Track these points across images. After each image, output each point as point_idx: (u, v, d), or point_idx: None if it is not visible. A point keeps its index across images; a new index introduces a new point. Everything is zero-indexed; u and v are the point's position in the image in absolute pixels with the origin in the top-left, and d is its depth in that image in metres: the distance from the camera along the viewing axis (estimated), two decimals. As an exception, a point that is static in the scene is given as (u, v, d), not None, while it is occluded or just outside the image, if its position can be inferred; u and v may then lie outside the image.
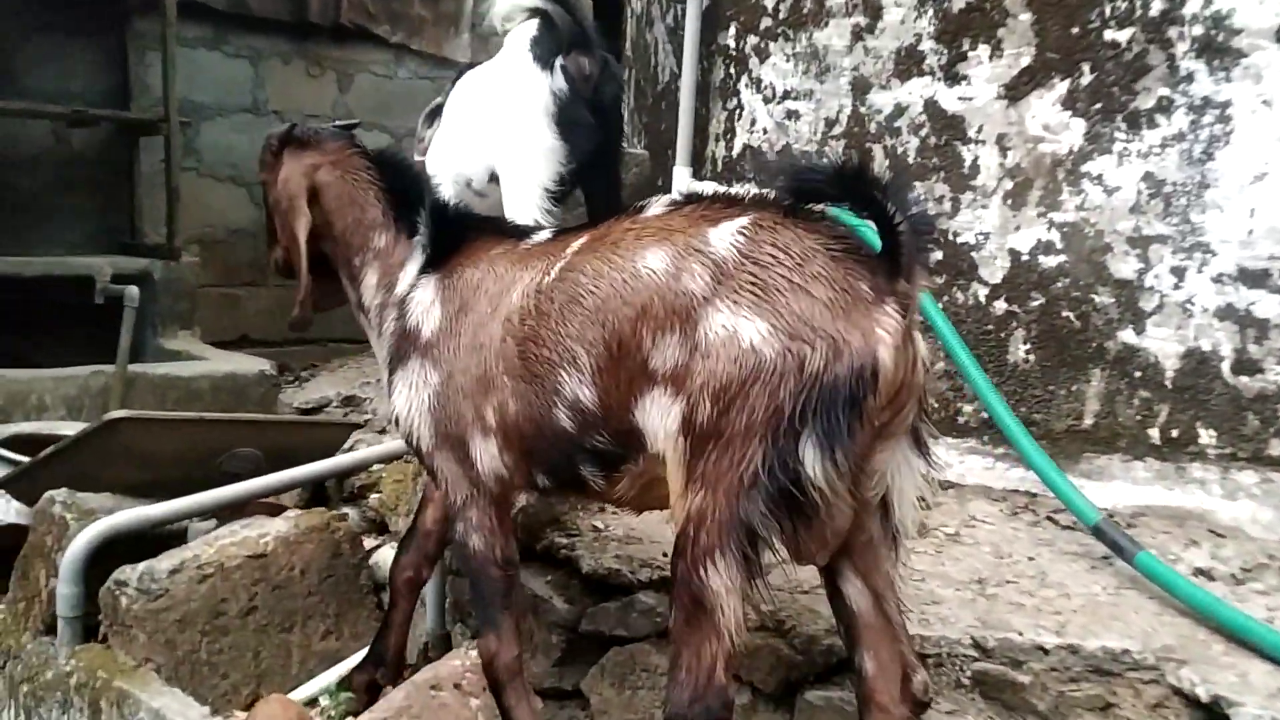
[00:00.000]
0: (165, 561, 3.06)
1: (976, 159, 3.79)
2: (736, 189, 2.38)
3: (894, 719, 2.21)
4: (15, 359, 5.39)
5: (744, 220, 2.09)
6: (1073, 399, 3.66)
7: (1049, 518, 3.29)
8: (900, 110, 3.95)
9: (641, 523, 3.13)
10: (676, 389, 2.03)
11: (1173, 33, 3.45)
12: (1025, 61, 3.69)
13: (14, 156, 6.44)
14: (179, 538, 3.49)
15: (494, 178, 3.91)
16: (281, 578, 3.22)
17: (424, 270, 2.68)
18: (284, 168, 2.80)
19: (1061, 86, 3.63)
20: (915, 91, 3.91)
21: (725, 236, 2.07)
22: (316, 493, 3.87)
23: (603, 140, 3.82)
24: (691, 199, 2.29)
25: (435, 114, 4.46)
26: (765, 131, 4.38)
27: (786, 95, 4.29)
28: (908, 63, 3.92)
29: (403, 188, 2.81)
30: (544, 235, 2.61)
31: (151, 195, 6.78)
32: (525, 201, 3.63)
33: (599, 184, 3.90)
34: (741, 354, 1.94)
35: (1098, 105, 3.58)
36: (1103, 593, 2.79)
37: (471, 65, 4.60)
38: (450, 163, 4.14)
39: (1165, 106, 3.48)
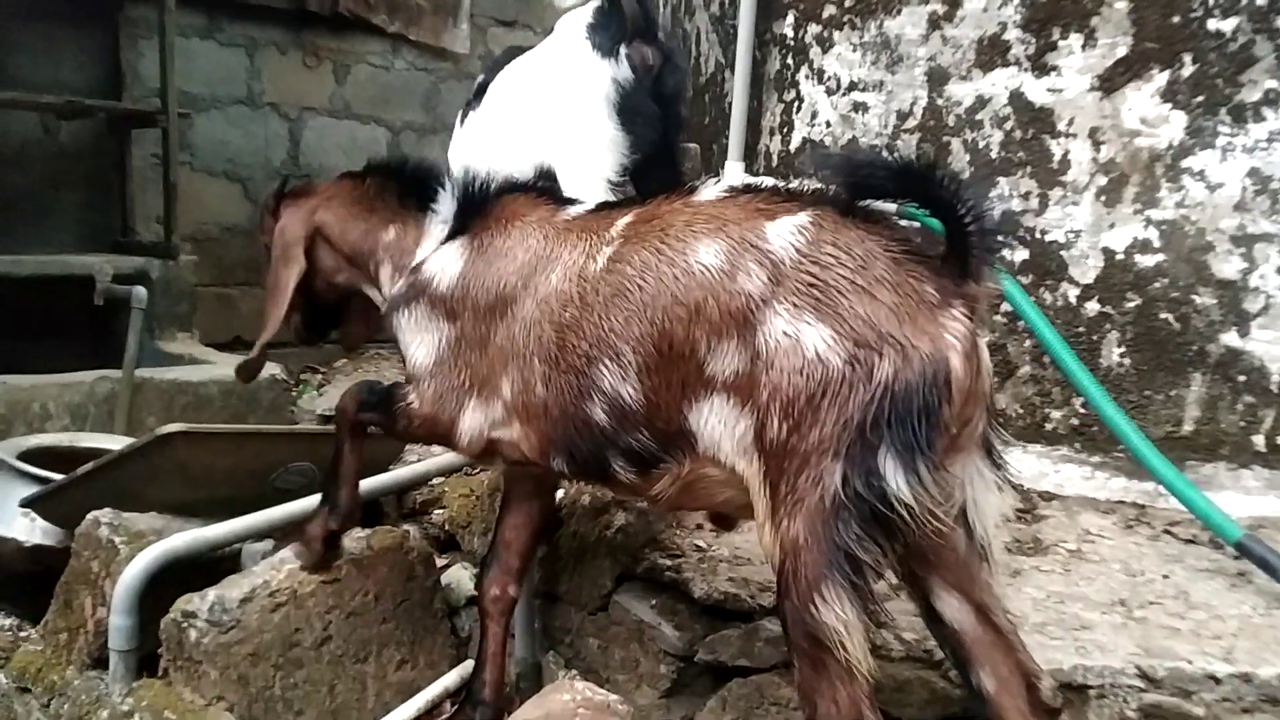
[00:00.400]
0: (235, 590, 2.80)
1: (1067, 153, 3.62)
2: (795, 183, 2.18)
3: None
4: (10, 364, 5.05)
5: (803, 217, 1.98)
6: (1171, 405, 3.50)
7: (1167, 531, 3.13)
8: (982, 102, 3.77)
9: (746, 542, 2.93)
10: (742, 400, 1.96)
11: (1281, 22, 3.30)
12: (1121, 52, 3.52)
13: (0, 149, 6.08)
14: (230, 560, 3.23)
15: (545, 173, 3.65)
16: (355, 604, 2.98)
17: (448, 239, 2.66)
18: (281, 220, 2.90)
19: (1161, 78, 3.47)
20: (999, 83, 3.73)
21: (783, 233, 1.97)
22: (370, 509, 3.62)
23: (665, 133, 3.59)
24: (748, 188, 2.18)
25: (469, 108, 4.19)
26: (828, 125, 4.19)
27: (853, 87, 4.10)
28: (990, 52, 3.74)
29: (401, 179, 2.85)
30: (585, 207, 2.52)
31: (145, 191, 6.44)
32: (586, 195, 3.40)
33: (660, 178, 3.67)
34: (807, 364, 1.86)
35: (1200, 98, 3.42)
36: (1254, 614, 2.63)
37: (511, 52, 4.32)
38: (488, 157, 3.89)
39: (1273, 99, 3.33)
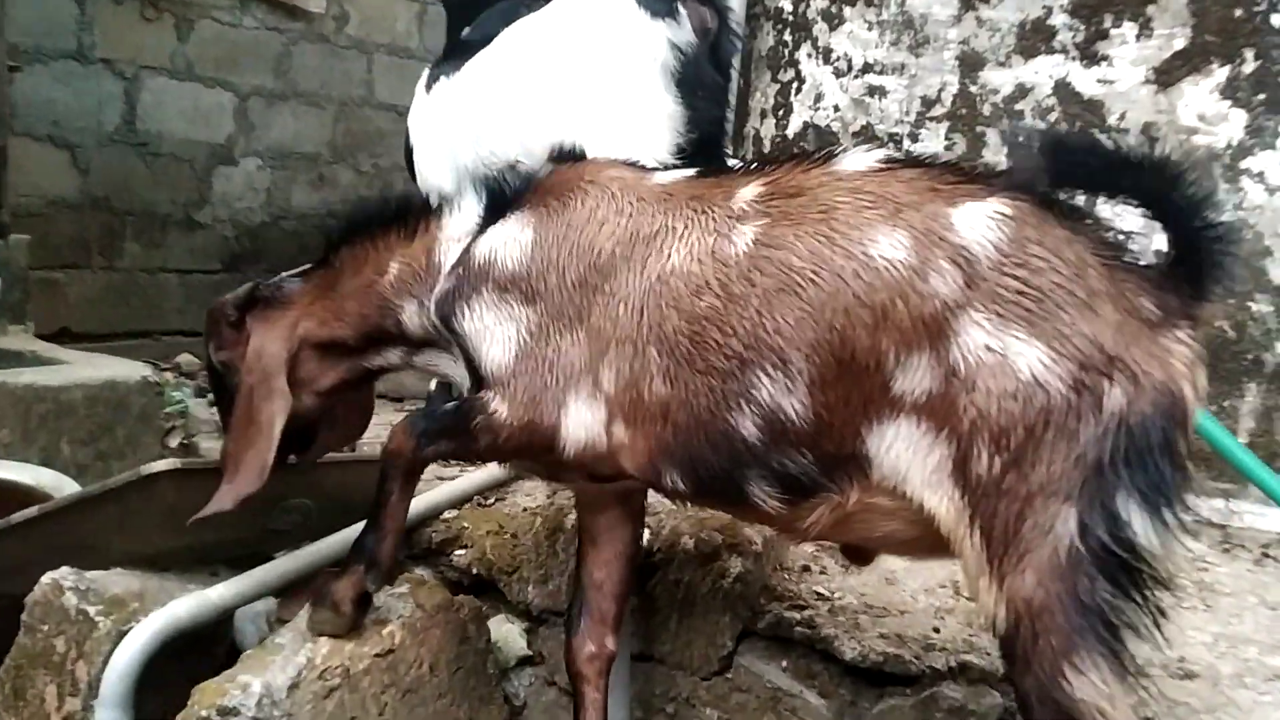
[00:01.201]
0: (279, 674, 2.20)
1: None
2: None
3: None
4: None
5: (995, 205, 1.69)
6: (1225, 415, 3.36)
7: (1266, 554, 2.96)
8: (1023, 91, 3.52)
9: (873, 588, 2.56)
10: (937, 425, 1.68)
11: (1349, 20, 3.19)
12: (1179, 44, 3.33)
13: None
14: (220, 627, 2.61)
15: (565, 155, 3.12)
16: (411, 678, 2.42)
17: (494, 217, 2.22)
18: (254, 339, 2.35)
19: (1221, 73, 3.30)
20: (1043, 71, 3.49)
21: (976, 225, 1.68)
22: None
23: (724, 108, 3.15)
24: (912, 160, 1.89)
25: (439, 72, 3.59)
26: (837, 109, 3.85)
27: (868, 68, 3.77)
28: (1034, 38, 3.49)
29: (376, 218, 2.40)
30: (677, 173, 2.14)
31: (-43, 157, 5.41)
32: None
33: (709, 162, 3.21)
34: (1022, 387, 1.61)
35: (1261, 96, 3.27)
36: None
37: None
38: (484, 132, 3.32)
39: (1336, 100, 3.22)
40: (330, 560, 2.70)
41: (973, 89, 3.59)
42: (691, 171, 2.16)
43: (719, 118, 3.02)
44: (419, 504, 2.90)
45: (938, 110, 3.65)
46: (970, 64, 3.59)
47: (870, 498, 1.81)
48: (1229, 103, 3.31)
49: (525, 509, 3.00)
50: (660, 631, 2.54)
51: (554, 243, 2.07)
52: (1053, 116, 3.48)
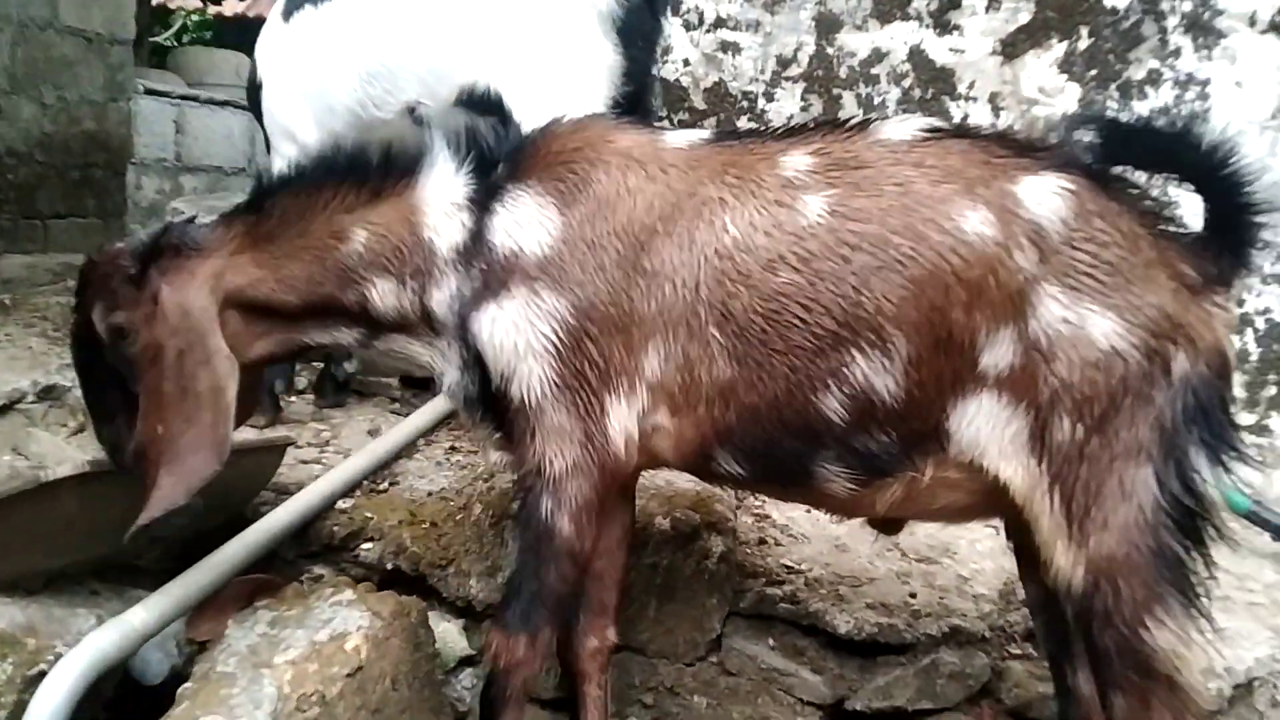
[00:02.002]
0: (256, 712, 1.88)
1: (967, 116, 3.56)
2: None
3: None
4: None
5: (1054, 180, 1.76)
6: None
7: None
8: (879, 55, 3.58)
9: (831, 557, 2.54)
10: (1016, 397, 1.73)
11: (1165, 5, 3.48)
12: (1023, 18, 3.52)
13: None
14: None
15: (475, 101, 2.85)
16: (378, 696, 2.12)
17: (492, 189, 1.96)
18: (165, 300, 1.95)
19: (1059, 48, 3.52)
20: (898, 36, 3.57)
21: (1040, 199, 1.73)
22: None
23: (655, 59, 2.97)
24: (955, 130, 1.92)
25: (300, 5, 3.14)
26: (687, 63, 3.76)
27: (720, 23, 3.71)
28: (890, 4, 3.57)
29: (334, 170, 2.04)
30: (691, 137, 1.98)
31: None
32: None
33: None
34: (1102, 357, 1.69)
35: (1093, 71, 3.52)
36: None
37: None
38: (363, 74, 2.95)
39: (1154, 79, 3.51)
40: (240, 568, 2.35)
41: (830, 51, 3.61)
42: (704, 134, 2.02)
43: (651, 70, 2.85)
44: (305, 498, 2.58)
45: (794, 70, 3.65)
46: (827, 25, 3.60)
47: (943, 472, 1.81)
48: (1065, 77, 3.53)
49: (431, 494, 2.74)
50: (637, 619, 2.39)
51: (584, 221, 1.88)
52: (907, 83, 3.57)
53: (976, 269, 1.71)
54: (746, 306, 1.79)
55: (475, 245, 1.93)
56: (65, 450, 3.51)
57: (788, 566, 2.47)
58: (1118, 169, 1.81)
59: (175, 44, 11.62)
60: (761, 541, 2.57)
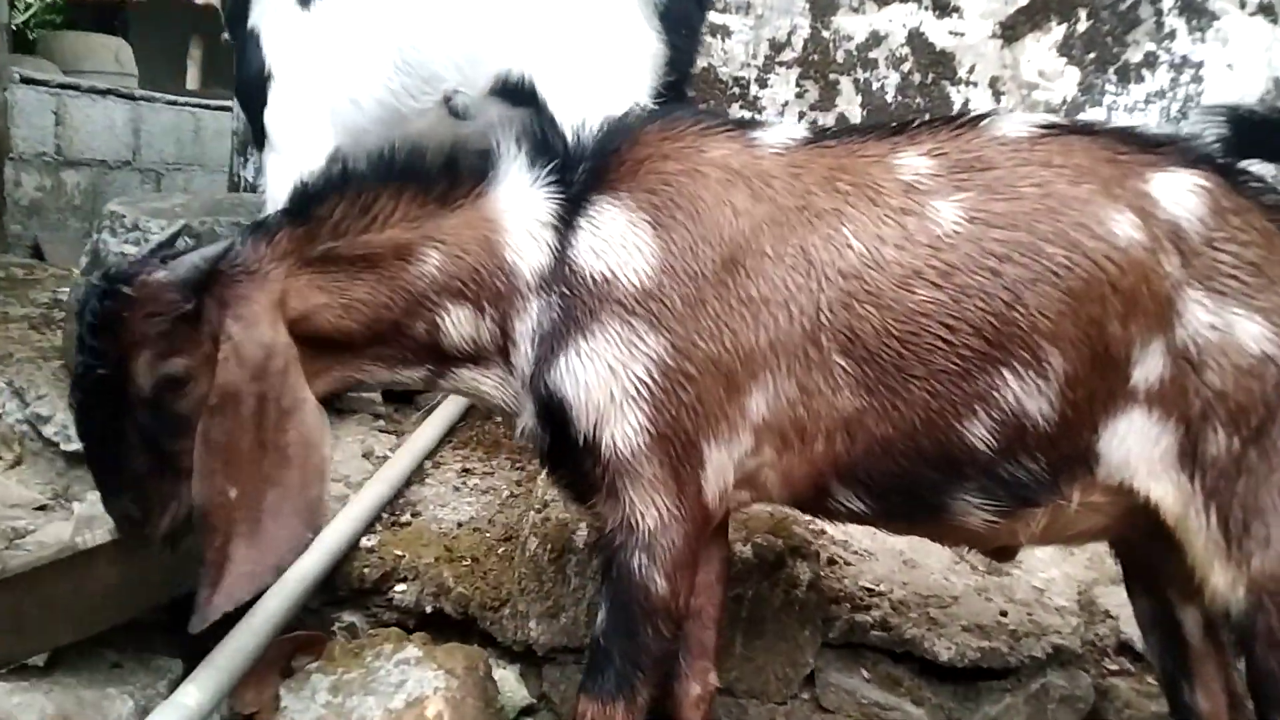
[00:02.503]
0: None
1: (968, 101, 3.46)
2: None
3: None
4: None
5: (1188, 178, 1.65)
6: None
7: None
8: (877, 39, 3.45)
9: (904, 575, 2.39)
10: (1165, 411, 1.61)
11: (1161, -13, 3.44)
12: (1023, 0, 3.42)
13: None
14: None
15: (509, 90, 2.60)
16: (463, 771, 1.91)
17: (576, 202, 1.69)
18: (239, 337, 1.61)
19: (1058, 31, 3.44)
20: (896, 18, 3.44)
21: (1175, 198, 1.62)
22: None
23: (698, 48, 2.76)
24: (1073, 126, 1.76)
25: None
26: (672, 48, 3.55)
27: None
28: (888, -15, 3.42)
29: (401, 174, 1.74)
30: (784, 139, 1.75)
31: None
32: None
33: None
34: (1255, 363, 1.58)
35: (1092, 55, 3.46)
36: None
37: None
38: (398, 62, 2.67)
39: (1151, 62, 3.47)
40: (282, 626, 2.07)
41: (825, 34, 3.45)
42: (795, 133, 1.80)
43: (693, 59, 2.66)
44: (329, 537, 2.30)
45: (787, 55, 3.48)
46: (822, 7, 3.45)
47: (1090, 497, 1.67)
48: (1065, 60, 3.45)
49: (461, 524, 2.49)
50: (723, 657, 2.18)
51: (685, 245, 1.64)
52: (906, 67, 3.44)
53: (1130, 276, 1.57)
54: (878, 329, 1.60)
55: (557, 268, 1.68)
56: (9, 488, 3.15)
57: (868, 589, 2.30)
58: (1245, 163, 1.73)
59: (25, 28, 10.79)
60: (831, 562, 2.40)
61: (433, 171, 1.74)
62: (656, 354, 1.62)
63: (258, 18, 2.77)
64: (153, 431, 1.66)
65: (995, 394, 1.60)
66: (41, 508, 3.11)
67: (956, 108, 3.44)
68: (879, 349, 1.61)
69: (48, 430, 3.25)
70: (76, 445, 3.19)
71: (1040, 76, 3.44)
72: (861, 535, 2.55)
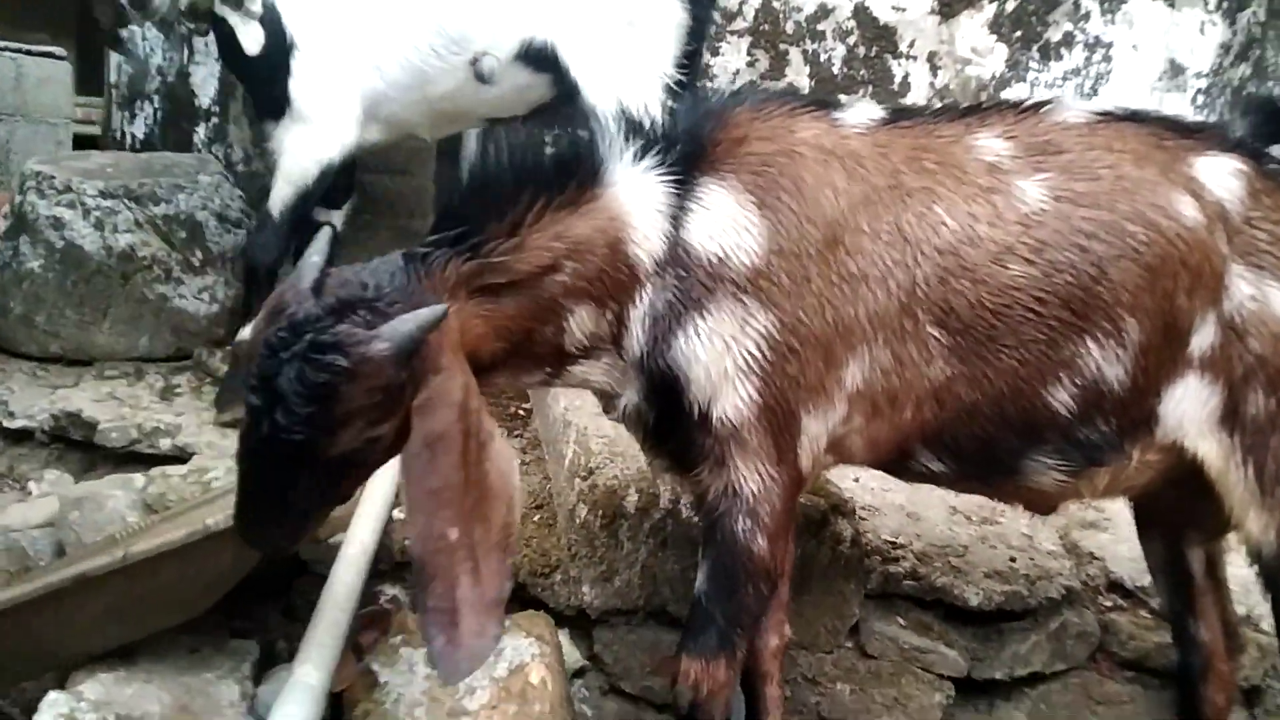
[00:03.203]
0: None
1: (908, 75, 3.62)
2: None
3: (1228, 682, 2.20)
4: None
5: (1234, 162, 1.83)
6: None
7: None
8: (825, 11, 3.56)
9: (914, 526, 2.54)
10: (1214, 375, 1.81)
11: (1079, -31, 3.68)
12: (959, -22, 3.60)
13: None
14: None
15: (533, 55, 2.57)
16: (562, 734, 1.95)
17: (684, 186, 1.71)
18: (446, 364, 1.53)
19: (990, 9, 3.64)
20: (844, -7, 3.56)
21: (1220, 180, 1.81)
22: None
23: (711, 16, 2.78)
24: (1123, 113, 1.88)
25: None
26: (625, 15, 3.57)
27: (659, -27, 3.54)
28: (836, -42, 3.54)
29: (530, 156, 1.73)
30: (860, 120, 1.81)
31: None
32: (631, 99, 2.45)
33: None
34: None
35: (1019, 33, 3.67)
36: None
37: None
38: (437, 25, 2.59)
39: (1069, 41, 3.72)
40: (361, 599, 2.05)
41: (775, 5, 3.54)
42: (873, 113, 1.86)
43: (709, 28, 2.69)
44: (371, 509, 2.28)
45: (739, 24, 3.55)
46: (773, -21, 3.53)
47: (1147, 455, 1.84)
48: (995, 37, 3.66)
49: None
50: (776, 613, 2.29)
51: (790, 225, 1.69)
52: (851, 40, 3.57)
53: (1197, 254, 1.74)
54: (973, 302, 1.71)
55: (671, 251, 1.70)
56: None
57: (891, 542, 2.44)
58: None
59: None
60: (835, 510, 2.52)
61: (556, 172, 1.70)
62: (766, 330, 1.67)
63: None
64: (329, 477, 1.56)
65: (1078, 362, 1.74)
66: (-12, 490, 2.94)
67: (897, 81, 3.59)
68: (973, 321, 1.71)
69: (-23, 409, 3.06)
70: (17, 423, 3.02)
71: (973, 52, 3.63)
72: (863, 492, 2.68)
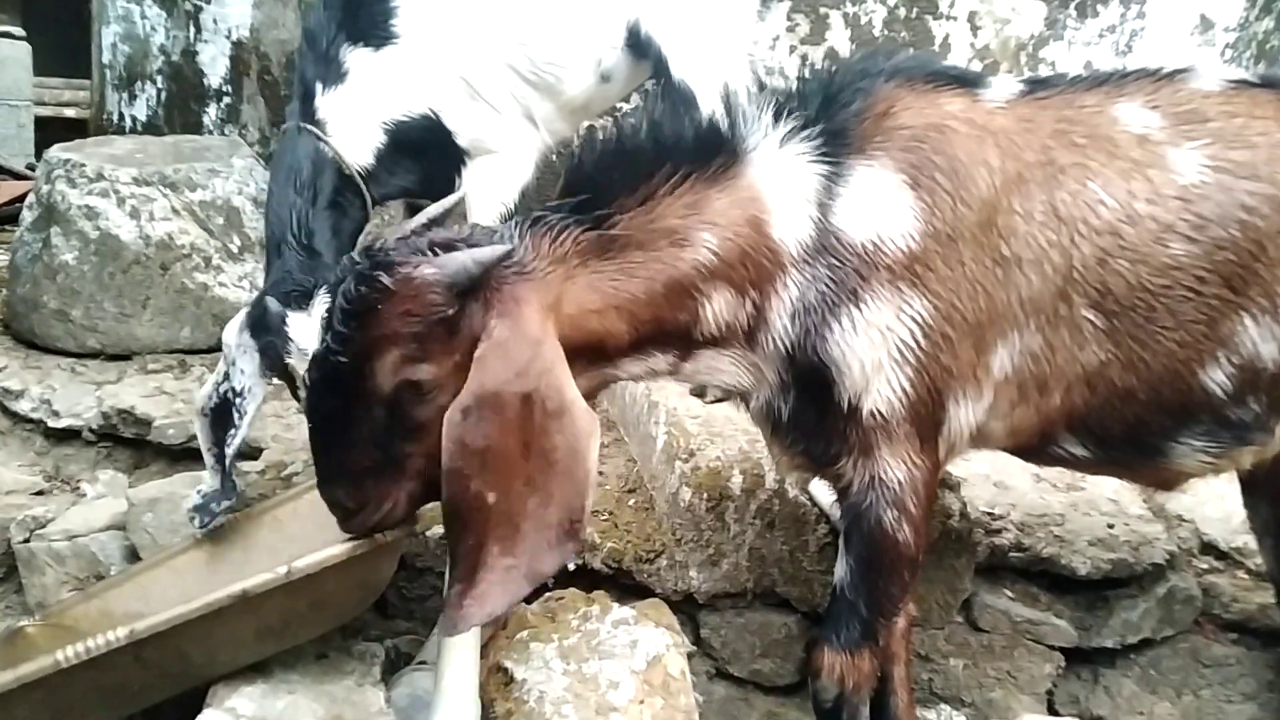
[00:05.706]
0: None
1: (948, 36, 3.57)
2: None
3: None
4: None
5: None
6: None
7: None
8: (865, -27, 3.49)
9: (1009, 497, 2.51)
10: None
11: (1114, -77, 3.64)
12: (999, -65, 3.55)
13: None
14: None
15: (634, 40, 2.50)
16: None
17: (833, 166, 1.65)
18: (502, 336, 1.48)
19: (1028, -34, 3.59)
20: (883, -47, 3.49)
21: None
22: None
23: None
24: (1257, 80, 1.83)
25: None
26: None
27: (696, -64, 3.46)
28: (874, -82, 3.48)
29: (668, 126, 1.65)
30: (1006, 91, 1.75)
31: None
32: (717, 78, 2.38)
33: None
34: None
35: (1056, -10, 3.62)
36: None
37: None
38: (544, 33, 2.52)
39: (1105, -2, 3.68)
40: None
41: (815, -33, 3.47)
42: (1010, 86, 1.79)
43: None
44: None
45: (778, -13, 3.48)
46: (811, -61, 3.46)
47: None
48: (1034, -5, 3.60)
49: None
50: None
51: (945, 206, 1.63)
52: (892, 1, 3.51)
53: None
54: (1132, 284, 1.66)
55: (820, 238, 1.63)
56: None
57: (989, 513, 2.41)
58: None
59: None
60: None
61: (697, 147, 1.64)
62: (921, 318, 1.63)
63: None
64: (384, 430, 1.53)
65: (1235, 339, 1.71)
66: (39, 492, 2.83)
67: (938, 41, 3.53)
68: (1131, 303, 1.67)
69: (21, 406, 2.95)
70: (63, 422, 2.90)
71: (1012, 11, 3.58)
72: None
